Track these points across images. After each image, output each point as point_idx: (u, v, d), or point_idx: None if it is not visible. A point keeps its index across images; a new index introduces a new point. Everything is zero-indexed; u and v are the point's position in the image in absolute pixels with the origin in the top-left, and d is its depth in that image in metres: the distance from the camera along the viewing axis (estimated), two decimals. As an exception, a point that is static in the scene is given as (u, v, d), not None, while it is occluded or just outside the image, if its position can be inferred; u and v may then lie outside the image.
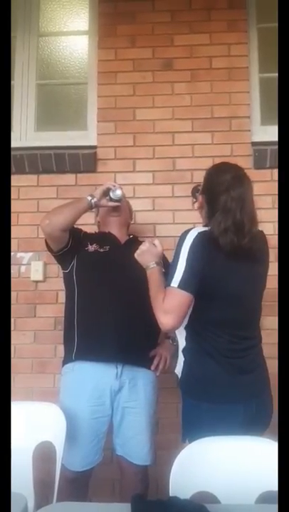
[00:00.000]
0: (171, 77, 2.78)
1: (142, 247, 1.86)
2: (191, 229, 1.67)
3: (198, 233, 1.65)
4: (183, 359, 1.76)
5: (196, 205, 1.86)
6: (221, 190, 1.66)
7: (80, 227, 2.23)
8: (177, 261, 1.62)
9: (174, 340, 2.01)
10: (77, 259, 2.16)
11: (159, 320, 1.62)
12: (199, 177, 2.07)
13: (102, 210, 2.31)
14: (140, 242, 2.06)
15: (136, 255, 1.86)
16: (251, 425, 1.61)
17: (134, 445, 2.03)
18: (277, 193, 2.61)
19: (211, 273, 1.63)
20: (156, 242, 1.90)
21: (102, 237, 2.24)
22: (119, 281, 2.07)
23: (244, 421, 1.61)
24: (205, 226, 1.72)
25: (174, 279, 1.60)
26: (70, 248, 2.15)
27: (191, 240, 1.63)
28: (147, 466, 2.06)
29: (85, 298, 2.11)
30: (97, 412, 2.00)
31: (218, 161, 2.41)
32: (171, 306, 1.60)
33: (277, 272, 2.45)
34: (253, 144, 2.71)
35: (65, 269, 2.20)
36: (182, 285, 1.59)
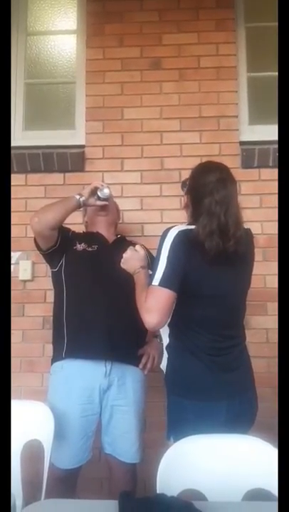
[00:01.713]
0: (160, 77, 2.79)
1: (125, 255, 1.89)
2: (172, 227, 1.68)
3: (179, 231, 1.66)
4: (168, 355, 1.78)
5: (182, 203, 1.88)
6: (206, 192, 1.66)
7: (68, 226, 2.24)
8: (158, 259, 1.64)
9: (162, 338, 2.02)
10: (66, 258, 2.17)
11: (143, 319, 1.63)
12: (187, 176, 2.08)
13: (89, 210, 2.31)
14: (128, 242, 2.08)
15: (121, 264, 1.89)
16: (235, 423, 1.62)
17: (123, 443, 2.04)
18: (264, 192, 2.65)
19: (193, 272, 1.65)
20: (138, 247, 1.93)
21: (91, 237, 2.25)
22: (107, 279, 2.07)
23: (227, 419, 1.62)
24: (189, 224, 1.72)
25: (155, 278, 1.62)
26: (59, 247, 2.15)
27: (172, 239, 1.64)
28: (136, 464, 2.08)
29: (74, 296, 2.12)
30: (87, 411, 2.00)
31: (206, 160, 2.44)
32: (152, 304, 1.61)
33: (264, 272, 2.54)
34: (241, 143, 2.72)
35: (53, 267, 2.20)
36: (163, 283, 1.60)
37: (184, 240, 1.64)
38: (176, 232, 1.66)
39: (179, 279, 1.62)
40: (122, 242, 2.23)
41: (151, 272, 1.70)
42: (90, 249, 2.17)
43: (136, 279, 1.79)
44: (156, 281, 1.61)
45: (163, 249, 1.64)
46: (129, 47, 2.82)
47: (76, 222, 2.35)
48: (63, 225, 2.17)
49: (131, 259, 1.87)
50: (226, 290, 1.70)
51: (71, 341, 2.06)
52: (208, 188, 1.66)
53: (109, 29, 2.83)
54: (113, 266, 1.95)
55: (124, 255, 1.89)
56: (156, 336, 2.17)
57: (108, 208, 2.27)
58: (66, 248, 2.17)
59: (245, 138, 2.75)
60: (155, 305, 1.60)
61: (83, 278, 2.12)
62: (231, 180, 1.71)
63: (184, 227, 1.70)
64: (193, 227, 1.66)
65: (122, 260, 1.89)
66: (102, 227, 2.28)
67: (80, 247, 2.17)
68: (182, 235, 1.65)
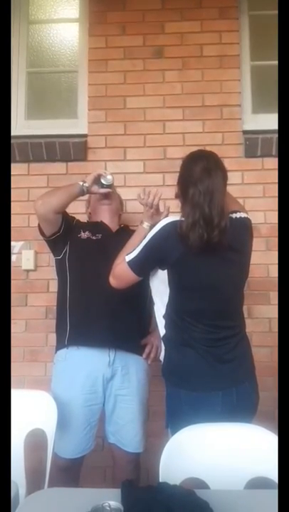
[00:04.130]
0: (162, 65, 2.76)
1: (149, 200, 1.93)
2: (167, 218, 1.75)
3: (168, 223, 1.69)
4: (165, 346, 1.79)
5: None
6: (190, 182, 1.66)
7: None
8: (143, 241, 1.74)
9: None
10: (70, 246, 2.17)
11: (110, 276, 1.85)
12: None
13: (93, 199, 2.30)
14: (132, 231, 2.06)
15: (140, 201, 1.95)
16: (232, 414, 1.62)
17: (127, 432, 2.05)
18: (267, 181, 2.64)
19: (177, 264, 1.66)
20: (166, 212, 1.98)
21: (95, 226, 2.24)
22: (111, 268, 2.06)
23: (224, 409, 1.63)
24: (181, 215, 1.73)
25: (129, 254, 1.77)
26: (63, 233, 2.15)
27: (158, 228, 1.71)
28: (139, 454, 2.08)
29: (78, 285, 2.12)
30: (90, 400, 2.01)
31: (208, 149, 2.43)
32: (117, 274, 1.83)
33: (267, 262, 2.53)
34: (244, 132, 2.70)
35: (57, 255, 2.20)
36: (131, 264, 1.76)
37: (171, 231, 1.67)
38: (166, 222, 1.70)
39: (149, 267, 1.78)
40: (126, 232, 2.22)
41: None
42: (94, 237, 2.17)
43: (137, 230, 1.95)
44: (128, 258, 1.77)
45: (149, 234, 1.74)
46: (131, 35, 2.79)
47: (79, 212, 2.35)
48: (68, 214, 2.18)
49: (148, 211, 1.93)
50: (216, 281, 1.69)
51: (74, 329, 2.06)
52: (192, 179, 1.66)
53: (112, 17, 2.80)
54: (117, 254, 1.95)
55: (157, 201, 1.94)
56: None
57: (111, 196, 2.26)
58: (70, 235, 2.17)
59: (248, 127, 2.73)
60: (118, 276, 1.83)
61: (87, 266, 2.11)
62: (217, 169, 1.68)
63: (175, 218, 1.71)
64: (183, 220, 1.68)
65: (152, 196, 1.92)
66: (106, 217, 2.27)
67: (84, 235, 2.17)
68: (170, 227, 1.68)
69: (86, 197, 2.28)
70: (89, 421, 2.01)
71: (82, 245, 2.16)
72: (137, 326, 2.11)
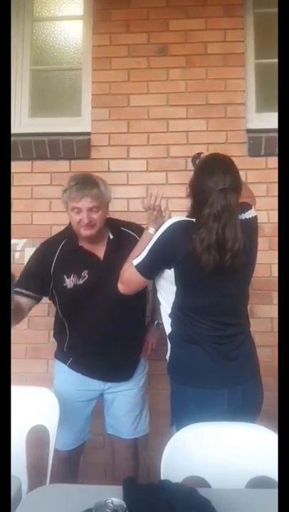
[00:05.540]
0: (166, 63, 2.76)
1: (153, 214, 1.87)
2: (172, 218, 1.74)
3: (175, 222, 1.70)
4: (171, 343, 1.79)
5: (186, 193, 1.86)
6: (205, 200, 1.63)
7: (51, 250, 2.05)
8: (148, 244, 1.72)
9: (159, 324, 2.11)
10: (59, 298, 2.04)
11: (118, 282, 1.81)
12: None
13: (70, 219, 1.96)
14: (124, 233, 2.02)
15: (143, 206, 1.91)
16: (239, 411, 1.63)
17: (125, 422, 2.09)
18: (271, 181, 2.63)
19: (183, 262, 1.66)
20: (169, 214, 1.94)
21: (77, 259, 1.98)
22: (103, 305, 1.97)
23: (230, 407, 1.63)
24: (188, 216, 1.74)
25: (137, 258, 1.75)
26: (51, 294, 2.06)
27: (163, 229, 1.70)
28: (137, 440, 2.12)
29: (73, 325, 2.06)
30: (87, 395, 2.06)
31: (212, 148, 2.43)
32: (125, 279, 1.79)
33: (270, 261, 2.53)
34: (248, 131, 2.70)
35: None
36: (140, 268, 1.74)
37: (177, 231, 1.68)
38: (172, 222, 1.70)
39: (157, 269, 1.75)
40: (118, 239, 2.02)
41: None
42: (80, 281, 1.96)
43: (143, 235, 1.88)
44: (136, 262, 1.74)
45: (154, 237, 1.72)
46: (135, 33, 2.78)
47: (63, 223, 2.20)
48: (45, 263, 1.99)
49: (158, 217, 1.87)
50: (223, 279, 1.68)
51: (72, 352, 2.07)
52: (208, 197, 1.62)
53: (116, 15, 2.79)
54: (108, 289, 1.85)
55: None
56: (153, 321, 2.20)
57: (94, 222, 1.91)
58: (56, 288, 2.01)
59: (252, 126, 2.72)
60: (127, 281, 1.79)
61: (79, 312, 2.01)
62: (233, 189, 1.64)
63: (181, 218, 1.72)
64: (191, 219, 1.70)
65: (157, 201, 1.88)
66: (89, 242, 2.00)
67: (69, 282, 1.96)
68: (174, 226, 1.68)
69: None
70: (86, 413, 2.07)
71: (71, 295, 1.97)
72: (133, 355, 2.11)
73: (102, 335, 1.99)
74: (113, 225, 2.07)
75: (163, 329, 1.84)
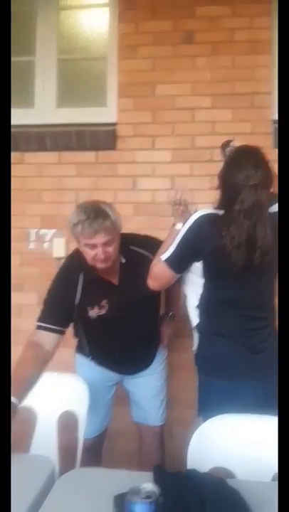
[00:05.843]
0: (192, 51, 2.71)
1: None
2: (199, 211, 1.75)
3: (202, 216, 1.71)
4: (198, 335, 1.83)
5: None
6: (236, 195, 1.63)
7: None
8: (176, 238, 1.74)
9: (172, 316, 2.18)
10: (83, 326, 2.08)
11: (148, 278, 1.84)
12: (219, 155, 2.07)
13: (84, 253, 1.86)
14: (135, 254, 1.97)
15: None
16: (265, 404, 1.62)
17: (151, 408, 2.16)
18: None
19: (211, 255, 1.68)
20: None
21: (97, 289, 1.94)
22: (123, 324, 1.99)
23: (256, 400, 1.65)
24: (216, 208, 1.75)
25: (166, 253, 1.76)
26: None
27: (191, 222, 1.72)
28: (163, 426, 2.19)
29: (95, 339, 2.12)
30: (107, 382, 2.14)
31: (237, 139, 2.40)
32: (154, 275, 1.82)
33: None
34: (274, 121, 2.65)
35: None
36: (169, 262, 1.76)
37: (203, 224, 1.69)
38: (199, 215, 1.72)
39: (186, 263, 1.76)
40: (131, 262, 1.96)
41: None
42: (103, 311, 1.94)
43: (169, 231, 1.89)
44: (164, 257, 1.76)
45: (182, 229, 1.74)
46: (161, 20, 2.74)
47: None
48: (69, 295, 1.92)
49: (185, 212, 1.87)
50: (251, 274, 1.69)
51: (93, 350, 2.15)
52: (238, 192, 1.63)
53: (142, 1, 2.74)
54: (126, 311, 1.94)
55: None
56: (167, 313, 2.24)
57: (109, 255, 1.83)
58: (80, 318, 2.02)
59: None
60: (156, 277, 1.81)
61: (101, 334, 2.04)
62: (264, 185, 1.64)
63: (207, 211, 1.74)
64: (219, 212, 1.71)
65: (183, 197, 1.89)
66: (104, 272, 1.92)
67: (92, 313, 1.94)
68: (202, 219, 1.70)
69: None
70: (107, 399, 2.15)
71: (94, 324, 1.98)
72: (154, 344, 2.17)
73: (123, 340, 2.03)
74: (122, 245, 1.93)
75: (179, 321, 1.88)
